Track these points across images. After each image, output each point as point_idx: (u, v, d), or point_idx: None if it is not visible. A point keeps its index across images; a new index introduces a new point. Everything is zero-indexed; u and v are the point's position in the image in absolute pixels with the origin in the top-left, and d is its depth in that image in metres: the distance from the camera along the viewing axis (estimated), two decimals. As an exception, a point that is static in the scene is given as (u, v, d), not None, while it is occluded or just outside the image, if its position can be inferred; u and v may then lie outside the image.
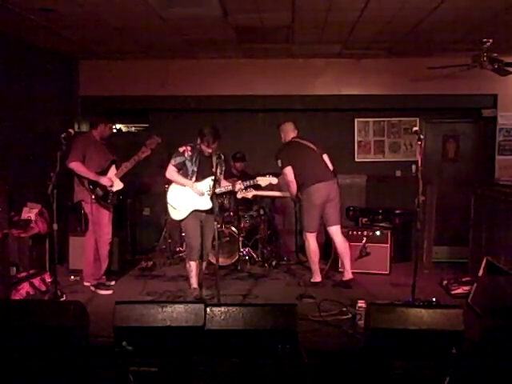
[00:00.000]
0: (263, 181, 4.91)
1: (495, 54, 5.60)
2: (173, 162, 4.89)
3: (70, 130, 4.45)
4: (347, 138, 7.51)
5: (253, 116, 7.60)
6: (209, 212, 4.83)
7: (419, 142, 4.38)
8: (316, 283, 5.43)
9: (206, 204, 4.83)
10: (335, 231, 5.45)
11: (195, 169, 4.87)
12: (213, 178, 4.68)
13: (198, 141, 4.85)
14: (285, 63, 7.19)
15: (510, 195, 5.00)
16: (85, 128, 7.37)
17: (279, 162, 5.39)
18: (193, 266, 4.93)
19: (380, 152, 7.67)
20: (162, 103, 7.44)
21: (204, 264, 5.11)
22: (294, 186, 5.39)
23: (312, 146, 5.45)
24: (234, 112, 7.40)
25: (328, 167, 5.47)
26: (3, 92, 5.59)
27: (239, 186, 4.90)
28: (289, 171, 5.35)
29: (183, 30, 5.63)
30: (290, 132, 5.55)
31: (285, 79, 7.22)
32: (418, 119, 7.54)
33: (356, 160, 7.57)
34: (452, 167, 7.64)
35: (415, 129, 4.72)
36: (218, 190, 4.79)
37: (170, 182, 5.04)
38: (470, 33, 5.61)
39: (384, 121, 7.64)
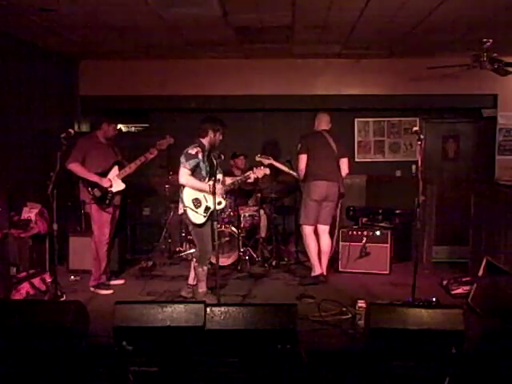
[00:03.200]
0: (259, 172, 4.92)
1: (495, 54, 5.59)
2: (187, 165, 4.58)
3: (70, 130, 4.43)
4: (347, 138, 7.49)
5: (253, 116, 7.60)
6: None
7: (419, 142, 4.38)
8: (317, 276, 5.47)
9: (219, 204, 4.66)
10: (322, 230, 5.60)
11: (208, 169, 4.72)
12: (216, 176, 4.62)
13: (212, 134, 4.73)
14: (285, 63, 7.19)
15: (510, 195, 5.00)
16: (85, 128, 7.38)
17: (299, 145, 5.58)
18: (205, 270, 4.82)
19: (380, 152, 7.68)
20: (161, 103, 7.44)
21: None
22: (301, 174, 5.58)
23: (333, 146, 5.53)
24: (234, 112, 7.39)
25: (336, 170, 5.53)
26: (3, 92, 5.58)
27: (254, 175, 4.87)
28: (302, 159, 5.52)
29: (183, 30, 5.62)
30: (322, 123, 5.65)
31: (285, 79, 7.22)
32: (417, 119, 7.54)
33: (356, 160, 7.55)
34: (452, 167, 7.64)
35: (415, 129, 4.71)
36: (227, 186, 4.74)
37: (170, 183, 4.96)
38: (470, 33, 5.60)
39: (384, 121, 7.65)
